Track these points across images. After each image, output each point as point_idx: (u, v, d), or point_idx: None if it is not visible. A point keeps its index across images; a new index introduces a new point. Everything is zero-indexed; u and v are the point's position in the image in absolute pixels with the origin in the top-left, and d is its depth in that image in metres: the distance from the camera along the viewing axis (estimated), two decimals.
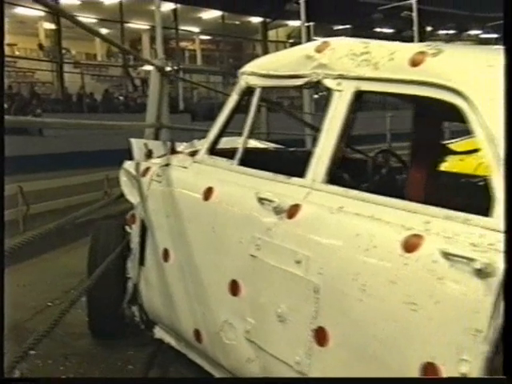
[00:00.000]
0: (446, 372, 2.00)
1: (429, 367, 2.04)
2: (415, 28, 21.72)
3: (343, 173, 3.00)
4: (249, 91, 3.25)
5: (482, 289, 1.93)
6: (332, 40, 2.93)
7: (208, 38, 33.79)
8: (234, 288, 2.90)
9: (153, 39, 23.14)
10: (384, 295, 2.21)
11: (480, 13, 30.69)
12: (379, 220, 2.33)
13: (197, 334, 3.24)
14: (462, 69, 2.30)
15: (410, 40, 20.39)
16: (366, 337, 2.27)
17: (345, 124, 2.65)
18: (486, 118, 2.13)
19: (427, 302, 2.08)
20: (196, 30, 32.42)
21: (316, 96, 22.20)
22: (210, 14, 31.00)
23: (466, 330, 1.95)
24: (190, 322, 3.31)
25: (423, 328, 2.09)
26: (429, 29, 31.92)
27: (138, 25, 29.10)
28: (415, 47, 2.51)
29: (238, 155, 3.16)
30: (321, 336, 2.44)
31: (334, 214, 2.50)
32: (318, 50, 2.87)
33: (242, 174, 3.08)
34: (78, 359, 3.96)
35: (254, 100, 3.18)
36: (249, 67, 3.31)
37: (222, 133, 3.41)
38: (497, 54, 2.60)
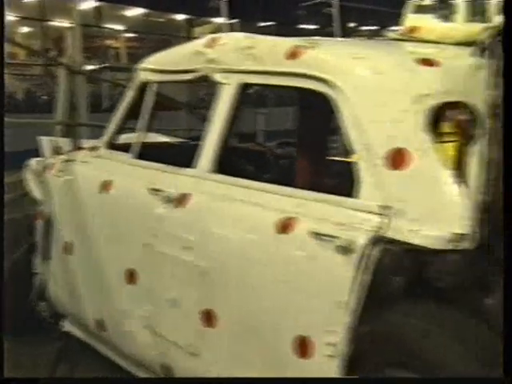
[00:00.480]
0: (315, 343, 2.15)
1: (300, 339, 2.19)
2: (335, 24, 22.09)
3: (234, 162, 3.13)
4: (144, 86, 3.33)
5: (345, 264, 2.08)
6: (221, 35, 3.05)
7: (133, 35, 33.52)
8: (131, 276, 3.00)
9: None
10: (261, 274, 2.35)
11: (400, 10, 31.34)
12: (258, 205, 2.47)
13: (100, 323, 3.32)
14: (333, 60, 2.45)
15: (331, 36, 20.68)
16: (248, 315, 2.41)
17: (230, 116, 2.77)
18: (353, 106, 2.28)
19: (299, 279, 2.22)
20: (120, 27, 32.12)
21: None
22: (135, 12, 30.78)
23: (332, 303, 2.10)
24: (93, 312, 3.39)
25: (295, 304, 2.24)
26: (351, 25, 32.44)
27: (60, 23, 28.63)
28: (294, 41, 2.65)
29: (135, 149, 3.25)
30: (209, 318, 2.56)
31: (219, 202, 2.63)
32: (208, 45, 2.98)
33: (138, 167, 3.17)
34: None
35: (149, 95, 3.27)
36: (144, 63, 3.40)
37: (120, 128, 3.49)
38: (366, 46, 2.78)
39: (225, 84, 2.82)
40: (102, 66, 26.08)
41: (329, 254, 2.14)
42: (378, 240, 2.05)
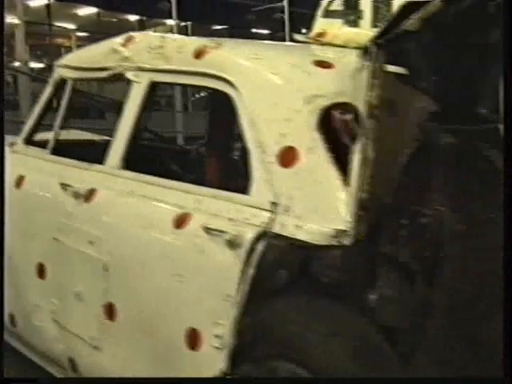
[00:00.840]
0: (204, 335, 2.21)
1: (191, 332, 2.25)
2: (287, 29, 22.24)
3: (149, 160, 3.17)
4: (62, 83, 3.36)
5: (232, 258, 2.15)
6: (136, 34, 3.09)
7: (84, 34, 33.21)
8: (41, 271, 3.03)
9: (28, 35, 22.60)
10: (158, 269, 2.41)
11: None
12: (160, 200, 2.52)
13: (11, 318, 3.33)
14: (232, 60, 2.51)
15: (283, 41, 20.83)
16: (145, 309, 2.46)
17: (139, 114, 2.81)
18: (249, 105, 2.35)
19: (191, 273, 2.28)
20: (72, 26, 31.80)
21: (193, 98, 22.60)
22: (86, 11, 30.51)
23: (220, 297, 2.16)
24: (5, 307, 3.39)
25: (187, 297, 2.29)
26: (303, 31, 32.66)
27: (9, 20, 28.24)
28: (202, 41, 2.71)
29: (51, 145, 3.27)
30: (110, 311, 2.60)
31: (123, 198, 2.68)
32: (124, 44, 3.02)
33: (52, 162, 3.19)
34: None
35: (66, 92, 3.29)
36: (62, 60, 3.43)
37: (38, 124, 3.50)
38: (267, 47, 2.85)
39: (136, 82, 2.86)
40: (50, 64, 25.78)
41: (219, 249, 2.20)
42: (264, 235, 2.12)
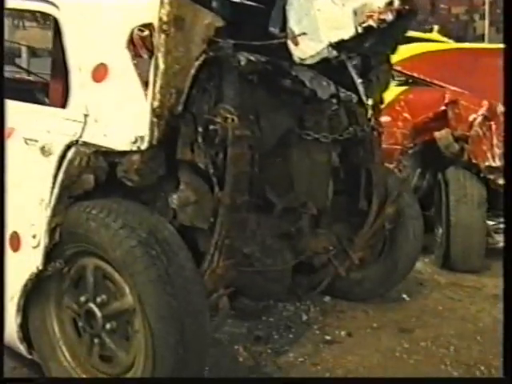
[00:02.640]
0: (23, 237, 2.40)
1: (14, 235, 2.42)
2: None
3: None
4: None
5: (46, 164, 2.33)
6: None
7: None
8: None
9: None
10: None
11: None
12: None
13: None
14: None
15: None
16: None
17: None
18: (69, 25, 2.49)
19: (19, 180, 2.43)
20: None
21: None
22: None
23: (37, 201, 2.35)
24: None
25: (13, 204, 2.43)
26: None
27: None
28: None
29: None
30: None
31: None
32: None
33: None
34: None
35: None
36: None
37: None
38: None
39: None
40: None
41: (35, 157, 2.37)
42: (74, 144, 2.31)
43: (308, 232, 3.09)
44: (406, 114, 4.51)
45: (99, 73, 2.38)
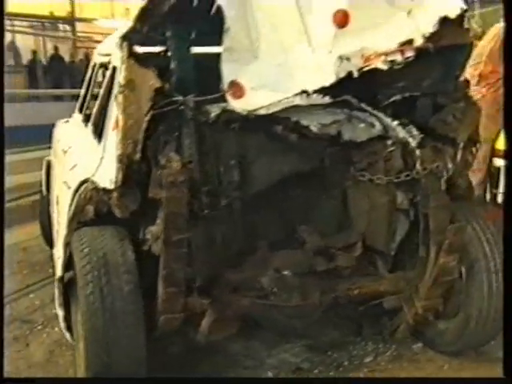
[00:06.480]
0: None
1: None
2: None
3: None
4: None
5: (68, 195, 2.99)
6: None
7: None
8: None
9: None
10: None
11: None
12: None
13: None
14: None
15: None
16: None
17: None
18: None
19: None
20: None
21: None
22: None
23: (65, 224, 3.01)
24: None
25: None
26: None
27: None
28: None
29: None
30: None
31: None
32: None
33: None
34: None
35: None
36: None
37: None
38: None
39: None
40: None
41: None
42: (87, 180, 2.92)
43: (350, 272, 3.15)
44: None
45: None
